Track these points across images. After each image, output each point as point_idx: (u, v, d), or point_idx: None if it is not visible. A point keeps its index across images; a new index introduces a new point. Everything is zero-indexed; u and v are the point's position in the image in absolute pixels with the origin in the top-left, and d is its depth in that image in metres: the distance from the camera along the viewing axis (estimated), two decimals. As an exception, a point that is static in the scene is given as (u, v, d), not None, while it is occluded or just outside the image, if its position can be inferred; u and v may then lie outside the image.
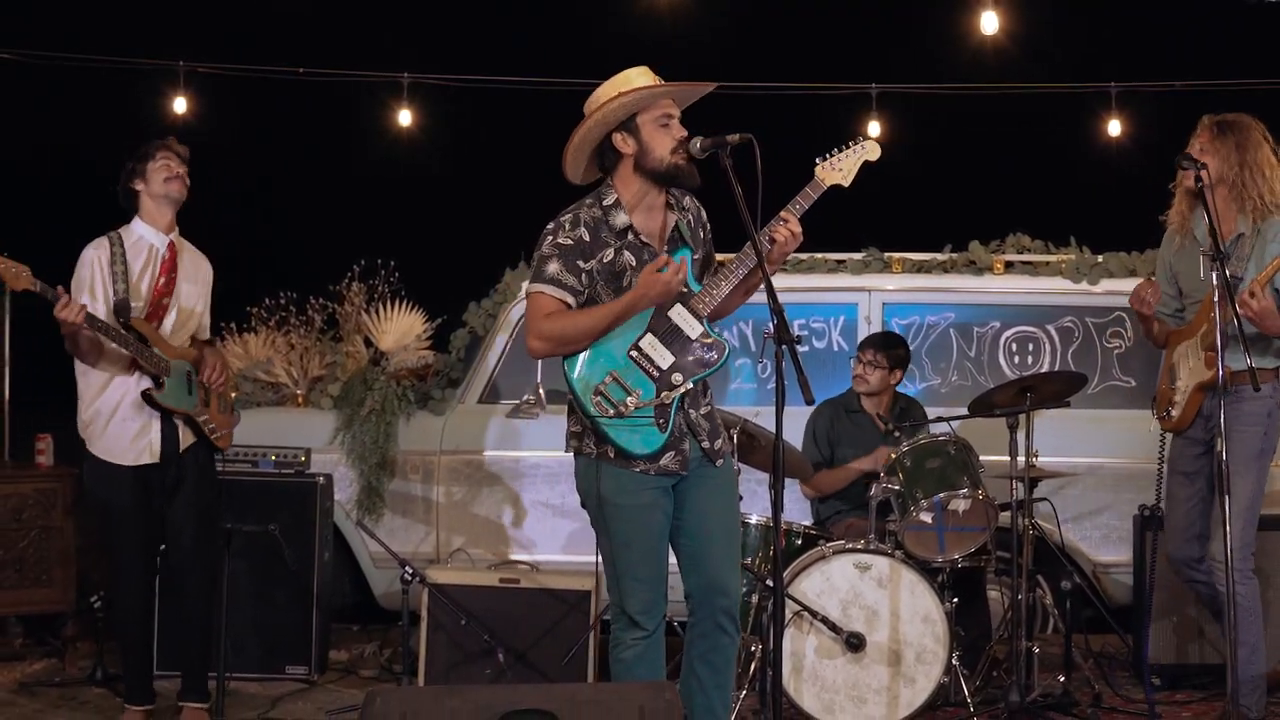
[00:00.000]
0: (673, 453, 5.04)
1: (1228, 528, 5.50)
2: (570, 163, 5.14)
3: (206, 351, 6.33)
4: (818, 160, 5.17)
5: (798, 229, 5.01)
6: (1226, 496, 5.50)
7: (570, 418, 5.12)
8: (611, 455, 5.01)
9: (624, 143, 5.05)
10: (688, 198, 5.24)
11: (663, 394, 4.99)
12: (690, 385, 5.03)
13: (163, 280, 6.19)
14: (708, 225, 5.28)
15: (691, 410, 5.10)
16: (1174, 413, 6.21)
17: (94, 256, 6.13)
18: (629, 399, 4.96)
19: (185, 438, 6.22)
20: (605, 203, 5.07)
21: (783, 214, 5.03)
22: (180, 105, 10.70)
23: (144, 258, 6.19)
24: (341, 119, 12.61)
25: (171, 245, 6.24)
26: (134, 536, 6.21)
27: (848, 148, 5.19)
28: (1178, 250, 6.24)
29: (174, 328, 6.22)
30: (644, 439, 4.98)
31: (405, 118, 10.95)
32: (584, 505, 5.16)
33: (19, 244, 6.10)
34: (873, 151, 5.21)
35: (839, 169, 5.15)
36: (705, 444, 5.11)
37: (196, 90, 10.76)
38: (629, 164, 5.07)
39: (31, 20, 12.56)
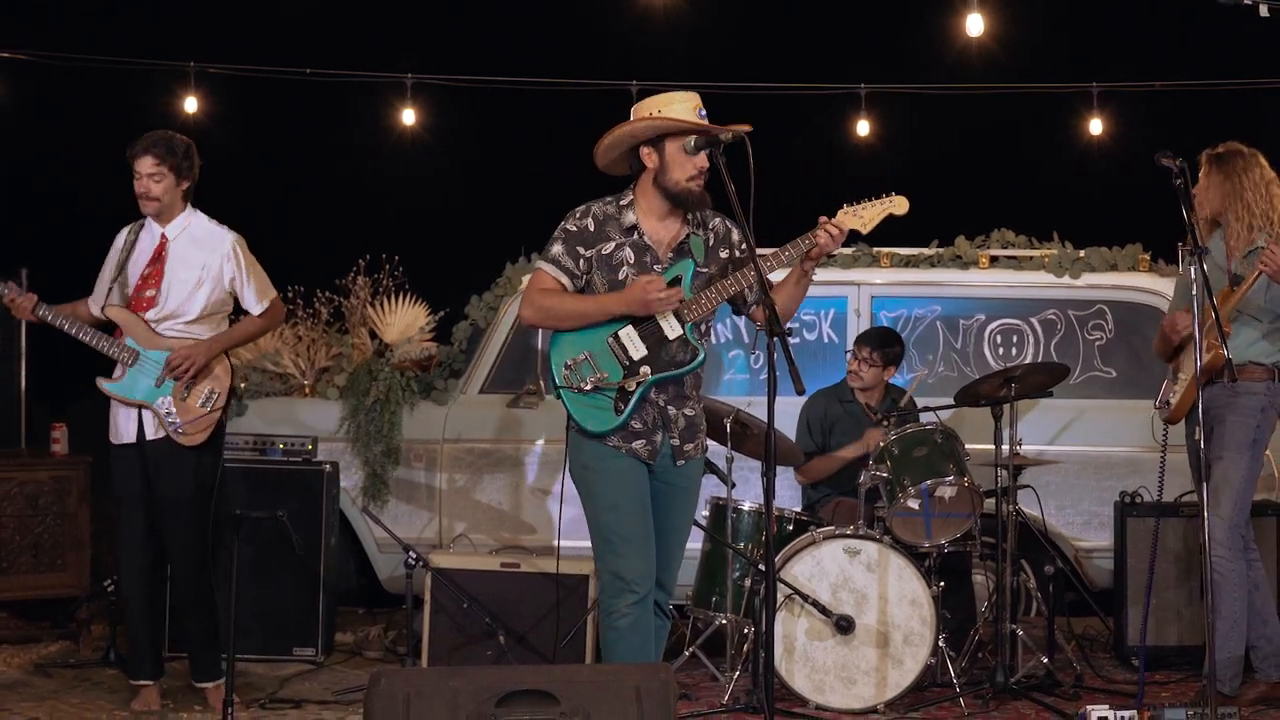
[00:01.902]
0: (644, 440, 5.18)
1: (1205, 513, 5.49)
2: (600, 157, 5.32)
3: (195, 342, 6.17)
4: (845, 204, 5.28)
5: (841, 233, 5.17)
6: (1205, 484, 5.49)
7: None
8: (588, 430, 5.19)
9: (649, 157, 5.22)
10: (718, 219, 5.35)
11: (626, 381, 5.12)
12: (654, 378, 5.14)
13: (148, 271, 6.20)
14: (737, 245, 5.33)
15: (671, 407, 5.22)
16: (1173, 401, 6.24)
17: (115, 242, 6.32)
18: (591, 378, 5.14)
19: (154, 427, 6.18)
20: (621, 202, 5.27)
21: (833, 219, 5.19)
22: (191, 105, 10.68)
23: (143, 247, 6.25)
24: (347, 118, 12.58)
25: (163, 238, 6.22)
26: (130, 517, 6.23)
27: (876, 198, 5.30)
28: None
29: (167, 315, 6.17)
30: (599, 418, 5.15)
31: (409, 117, 10.93)
32: (576, 485, 5.28)
33: (27, 243, 6.12)
34: (900, 206, 5.34)
35: (860, 216, 5.28)
36: (675, 441, 5.23)
37: (207, 90, 10.74)
38: (649, 176, 5.23)
39: (44, 21, 12.52)
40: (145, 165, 6.16)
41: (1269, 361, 6.08)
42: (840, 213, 5.25)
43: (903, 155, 11.65)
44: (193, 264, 6.23)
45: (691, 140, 5.08)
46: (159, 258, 6.21)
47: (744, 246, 5.29)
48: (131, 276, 6.23)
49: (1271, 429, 6.15)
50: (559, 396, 5.19)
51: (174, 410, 6.16)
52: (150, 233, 6.26)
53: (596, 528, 5.21)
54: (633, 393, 5.13)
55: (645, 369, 5.15)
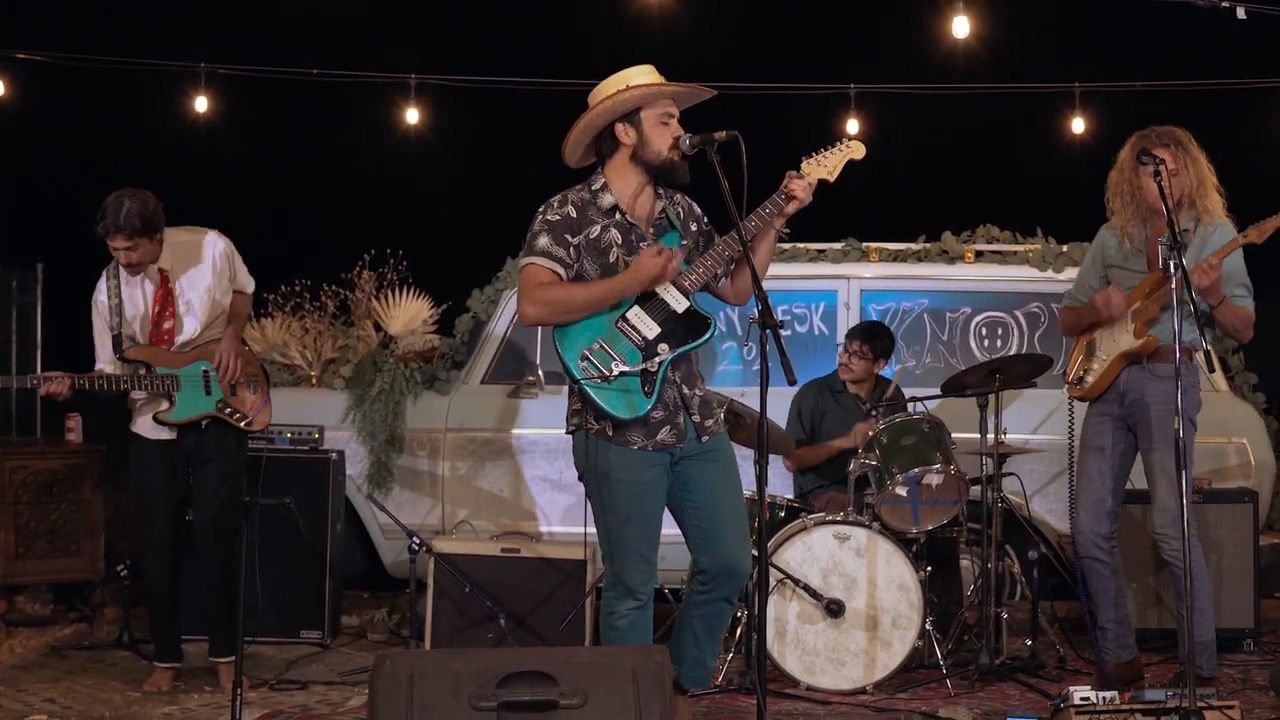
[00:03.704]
0: (668, 426, 5.00)
1: (1185, 501, 5.41)
2: (571, 145, 5.12)
3: (222, 343, 6.27)
4: (804, 157, 5.13)
5: (813, 183, 5.01)
6: (1184, 471, 5.43)
7: (571, 397, 5.06)
8: (610, 432, 4.96)
9: (625, 133, 5.03)
10: (678, 194, 5.21)
11: (648, 362, 4.95)
12: (674, 355, 4.98)
13: (157, 309, 6.21)
14: (703, 218, 5.26)
15: (685, 387, 5.06)
16: (1089, 379, 6.11)
17: (95, 303, 6.25)
18: (614, 364, 4.91)
19: (205, 419, 6.23)
20: (594, 187, 5.08)
21: (794, 173, 5.03)
22: (201, 104, 10.69)
23: (139, 289, 6.22)
24: (352, 117, 12.59)
25: (161, 274, 6.21)
26: (159, 506, 6.26)
27: (833, 147, 5.17)
28: (1123, 249, 6.16)
29: (203, 328, 6.25)
30: (630, 404, 4.92)
31: (413, 116, 10.95)
32: (581, 479, 5.10)
33: (41, 242, 6.11)
34: (857, 151, 5.15)
35: (824, 165, 5.10)
36: (696, 418, 5.07)
37: (217, 90, 10.75)
38: (626, 153, 5.06)
39: (47, 22, 12.51)
40: (119, 243, 6.08)
41: (1187, 340, 5.91)
42: (804, 164, 5.08)
43: (891, 153, 11.66)
44: (198, 279, 6.27)
45: (687, 139, 4.99)
46: (166, 295, 6.22)
47: (707, 221, 5.23)
48: (138, 320, 6.22)
49: (1197, 406, 6.04)
50: (581, 392, 4.93)
51: (234, 407, 6.21)
52: (143, 273, 6.22)
53: (608, 534, 5.02)
54: (655, 373, 4.94)
55: (663, 346, 4.96)
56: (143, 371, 6.17)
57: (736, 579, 5.10)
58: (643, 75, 5.04)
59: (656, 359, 4.96)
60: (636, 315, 4.99)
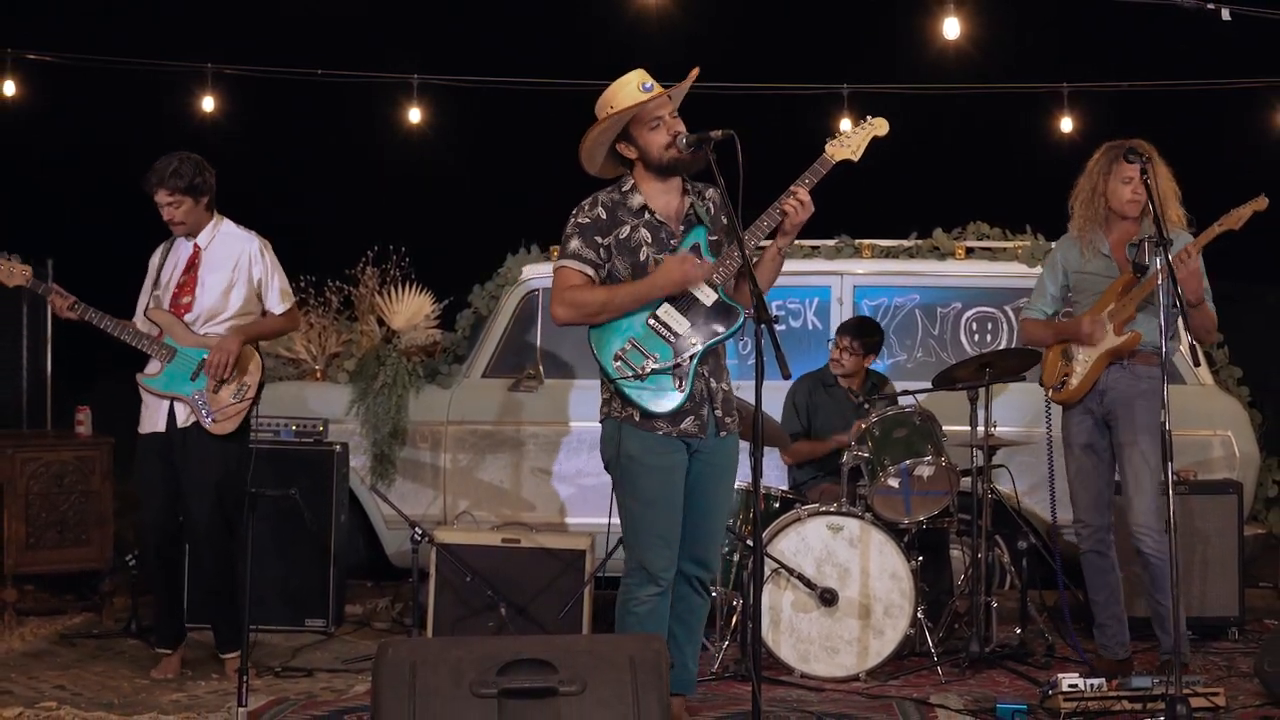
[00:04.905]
0: (693, 417, 5.05)
1: (1170, 493, 5.40)
2: (586, 164, 5.21)
3: (220, 340, 6.24)
4: (828, 140, 5.13)
5: (806, 199, 5.00)
6: (1170, 463, 5.42)
7: (602, 387, 5.13)
8: (636, 419, 5.02)
9: (627, 150, 5.13)
10: (711, 189, 5.24)
11: (679, 357, 5.00)
12: (704, 348, 5.03)
13: (183, 279, 6.29)
14: (732, 214, 5.25)
15: (712, 380, 5.12)
16: (1072, 382, 6.18)
17: (150, 261, 6.44)
18: (647, 362, 4.98)
19: (185, 415, 6.24)
20: (623, 189, 5.16)
21: (793, 186, 5.02)
22: (208, 104, 10.70)
23: (178, 258, 6.35)
24: (356, 116, 12.59)
25: (195, 247, 6.32)
26: (150, 498, 6.29)
27: (856, 127, 5.15)
28: (1084, 255, 6.20)
29: (204, 316, 6.27)
30: (665, 398, 5.00)
31: (415, 115, 10.95)
32: (608, 468, 5.14)
33: (52, 242, 6.13)
34: (880, 127, 5.15)
35: (848, 145, 5.11)
36: (718, 412, 5.12)
37: (223, 90, 10.75)
38: (639, 165, 5.14)
39: (60, 24, 12.51)
40: (161, 197, 6.25)
41: (1155, 348, 5.95)
42: (829, 147, 5.09)
43: (883, 152, 11.67)
44: (223, 267, 6.32)
45: (684, 138, 5.03)
46: (192, 266, 6.32)
47: (734, 216, 5.26)
48: (168, 286, 6.32)
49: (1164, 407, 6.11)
50: (617, 391, 5.00)
51: (207, 401, 6.21)
52: (183, 245, 6.36)
53: (630, 518, 5.06)
54: (687, 366, 5.00)
55: (694, 340, 5.01)
56: (156, 333, 6.25)
57: (702, 572, 5.19)
58: (635, 80, 5.05)
59: (687, 353, 5.02)
60: (666, 312, 5.04)
